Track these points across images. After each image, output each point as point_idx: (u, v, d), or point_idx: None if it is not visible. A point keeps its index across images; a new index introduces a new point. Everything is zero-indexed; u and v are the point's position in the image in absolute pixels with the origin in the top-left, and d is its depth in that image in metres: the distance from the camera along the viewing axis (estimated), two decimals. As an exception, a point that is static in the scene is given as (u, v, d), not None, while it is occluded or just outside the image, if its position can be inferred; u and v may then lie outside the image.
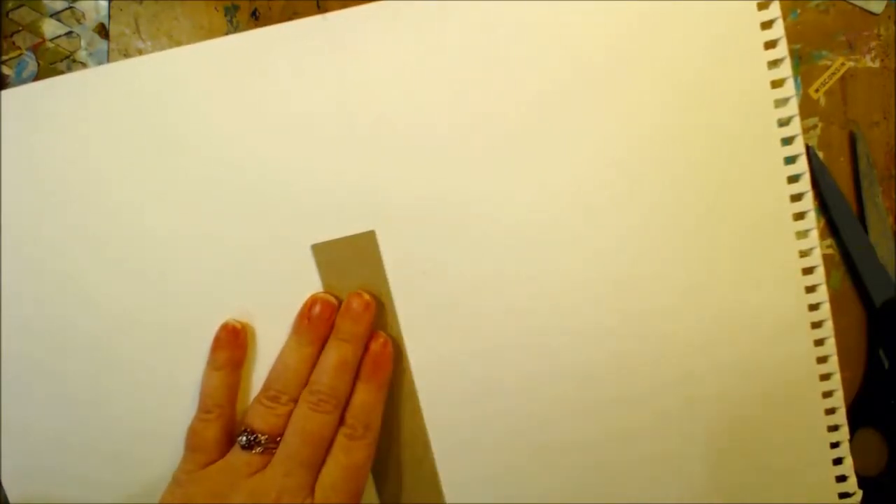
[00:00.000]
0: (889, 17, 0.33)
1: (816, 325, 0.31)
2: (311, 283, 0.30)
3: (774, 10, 0.29)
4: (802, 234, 0.30)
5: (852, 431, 0.32)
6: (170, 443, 0.30)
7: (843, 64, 0.34)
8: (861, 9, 0.33)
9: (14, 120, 0.29)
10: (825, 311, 0.31)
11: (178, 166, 0.30)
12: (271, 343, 0.30)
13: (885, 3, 0.33)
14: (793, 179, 0.30)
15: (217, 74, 0.29)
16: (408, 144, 0.30)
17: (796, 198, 0.30)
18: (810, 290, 0.31)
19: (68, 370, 0.31)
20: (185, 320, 0.30)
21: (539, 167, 0.30)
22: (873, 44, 0.34)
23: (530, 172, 0.30)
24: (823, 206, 0.33)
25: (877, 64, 0.34)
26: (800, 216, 0.30)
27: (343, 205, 0.30)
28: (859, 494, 0.31)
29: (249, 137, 0.30)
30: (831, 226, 0.33)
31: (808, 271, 0.30)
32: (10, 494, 0.31)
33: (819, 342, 0.31)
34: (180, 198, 0.30)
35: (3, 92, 0.29)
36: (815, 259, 0.30)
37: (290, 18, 0.32)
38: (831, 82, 0.34)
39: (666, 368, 0.31)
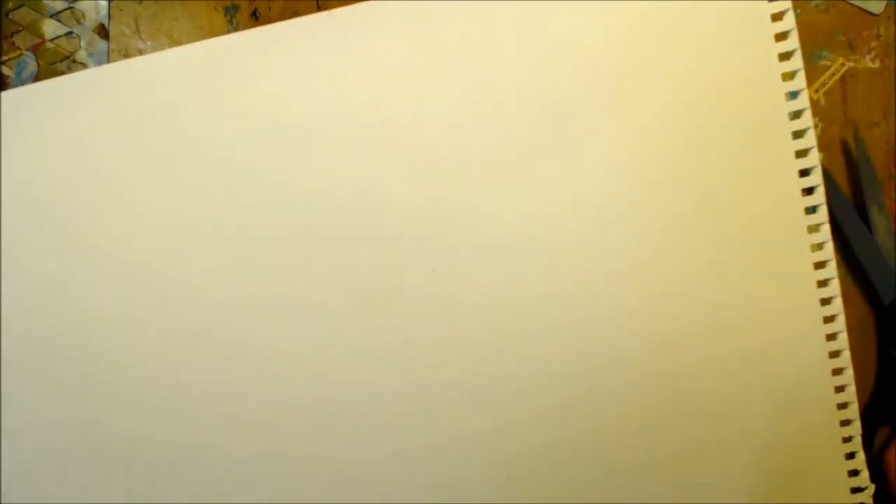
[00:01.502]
0: (889, 17, 0.33)
1: (829, 319, 0.30)
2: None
3: (789, 22, 0.29)
4: (816, 247, 0.30)
5: (872, 431, 0.32)
6: (168, 446, 0.30)
7: (843, 64, 0.34)
8: (861, 9, 0.33)
9: (13, 121, 0.29)
10: (837, 305, 0.30)
11: (178, 167, 0.30)
12: (271, 344, 0.30)
13: (885, 3, 0.33)
14: (807, 192, 0.30)
15: (217, 74, 0.29)
16: (409, 145, 0.30)
17: (810, 210, 0.30)
18: (824, 298, 0.30)
19: (66, 374, 0.30)
20: (184, 322, 0.30)
21: (543, 169, 0.30)
22: (873, 44, 0.34)
23: (534, 173, 0.30)
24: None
25: (877, 64, 0.34)
26: (815, 228, 0.30)
27: (342, 207, 0.30)
28: (872, 488, 0.31)
29: (249, 137, 0.30)
30: (833, 226, 0.33)
31: (822, 284, 0.30)
32: (5, 496, 0.31)
33: (831, 336, 0.30)
34: (180, 198, 0.30)
35: (3, 93, 0.29)
36: (831, 271, 0.30)
37: (290, 19, 0.32)
38: (831, 82, 0.34)
39: (672, 369, 0.31)
